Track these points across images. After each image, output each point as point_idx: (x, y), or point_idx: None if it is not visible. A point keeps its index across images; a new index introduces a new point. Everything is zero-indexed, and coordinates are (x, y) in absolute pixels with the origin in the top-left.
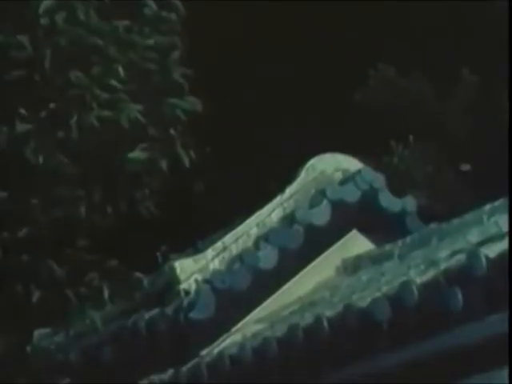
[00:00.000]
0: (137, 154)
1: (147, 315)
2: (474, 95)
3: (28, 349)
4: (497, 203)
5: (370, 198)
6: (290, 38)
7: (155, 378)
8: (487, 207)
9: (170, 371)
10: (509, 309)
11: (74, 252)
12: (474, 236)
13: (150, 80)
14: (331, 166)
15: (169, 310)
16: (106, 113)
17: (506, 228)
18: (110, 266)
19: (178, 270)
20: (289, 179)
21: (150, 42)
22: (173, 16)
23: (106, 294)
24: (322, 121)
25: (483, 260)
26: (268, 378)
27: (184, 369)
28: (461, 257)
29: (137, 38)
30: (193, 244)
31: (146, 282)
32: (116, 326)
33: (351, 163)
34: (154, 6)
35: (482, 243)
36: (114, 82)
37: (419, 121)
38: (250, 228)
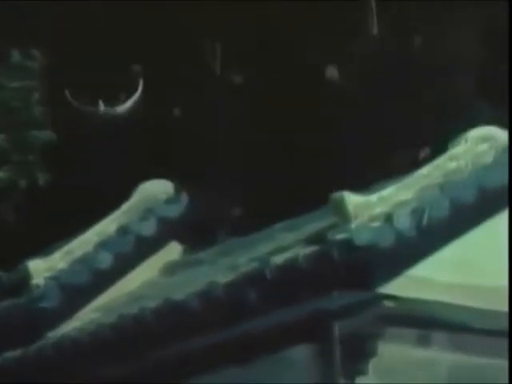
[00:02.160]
0: (0, 174)
1: (4, 304)
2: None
3: None
4: (284, 223)
5: (188, 216)
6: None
7: (8, 354)
8: (277, 226)
9: (21, 350)
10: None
11: None
12: (266, 247)
13: (15, 115)
14: (159, 189)
15: (22, 301)
16: None
17: (290, 242)
18: None
19: (31, 269)
20: (124, 198)
21: (15, 84)
22: (34, 64)
23: None
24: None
25: (272, 266)
26: (101, 357)
27: (32, 348)
28: (256, 263)
29: (4, 81)
30: (45, 248)
31: (4, 277)
32: None
33: (174, 188)
34: (18, 55)
35: (271, 253)
36: None
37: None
38: (91, 236)
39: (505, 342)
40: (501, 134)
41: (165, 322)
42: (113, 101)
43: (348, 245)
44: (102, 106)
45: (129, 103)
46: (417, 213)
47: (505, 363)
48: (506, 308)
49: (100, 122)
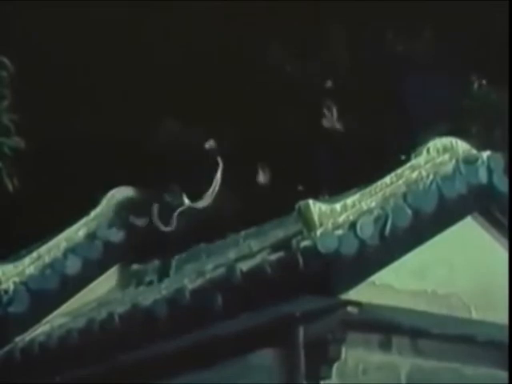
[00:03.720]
0: None
1: None
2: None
3: None
4: (250, 230)
5: (154, 224)
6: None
7: None
8: (242, 233)
9: None
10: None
11: None
12: (232, 254)
13: None
14: (127, 196)
15: None
16: None
17: (256, 248)
18: None
19: (0, 274)
20: (93, 204)
21: None
22: (3, 73)
23: None
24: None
25: (238, 272)
26: (69, 361)
27: (0, 352)
28: (222, 269)
29: None
30: (14, 253)
31: None
32: None
33: (142, 195)
34: None
35: (237, 260)
36: None
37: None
38: (60, 242)
39: (461, 347)
40: (460, 145)
41: (132, 327)
42: None
43: (312, 252)
44: None
45: None
46: (380, 221)
47: (461, 367)
48: (461, 314)
49: (70, 128)
